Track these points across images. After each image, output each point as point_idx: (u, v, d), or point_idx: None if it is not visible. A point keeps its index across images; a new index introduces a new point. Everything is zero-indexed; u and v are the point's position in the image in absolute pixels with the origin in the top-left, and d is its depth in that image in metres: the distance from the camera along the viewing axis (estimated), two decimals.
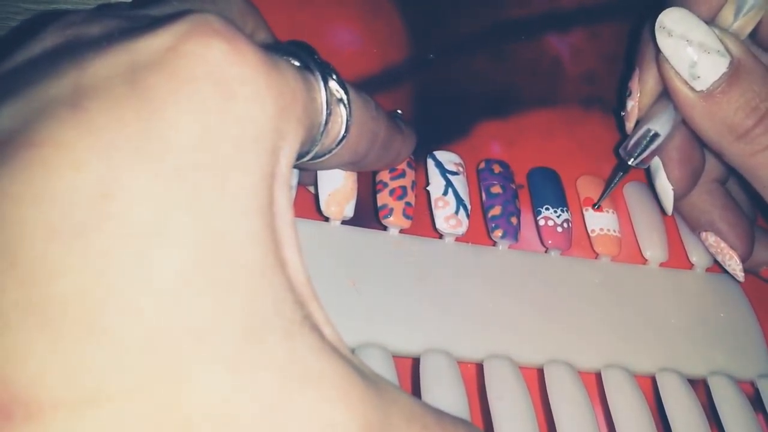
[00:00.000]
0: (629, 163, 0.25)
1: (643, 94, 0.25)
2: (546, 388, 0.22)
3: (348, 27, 0.29)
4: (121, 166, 0.12)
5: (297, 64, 0.17)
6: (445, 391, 0.20)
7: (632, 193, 0.29)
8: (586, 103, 0.31)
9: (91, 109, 0.12)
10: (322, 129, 0.17)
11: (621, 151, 0.26)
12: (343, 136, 0.18)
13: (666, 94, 0.24)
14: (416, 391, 0.21)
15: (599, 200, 0.27)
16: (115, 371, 0.11)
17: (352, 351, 0.21)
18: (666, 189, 0.26)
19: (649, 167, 0.27)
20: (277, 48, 0.17)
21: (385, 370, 0.20)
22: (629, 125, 0.26)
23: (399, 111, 0.25)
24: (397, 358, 0.22)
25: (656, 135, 0.25)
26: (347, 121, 0.18)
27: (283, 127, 0.14)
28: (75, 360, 0.11)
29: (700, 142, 0.25)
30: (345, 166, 0.22)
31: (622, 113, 0.26)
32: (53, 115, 0.12)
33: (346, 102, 0.18)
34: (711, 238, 0.27)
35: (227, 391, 0.12)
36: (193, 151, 0.12)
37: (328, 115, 0.17)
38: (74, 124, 0.12)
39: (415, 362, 0.22)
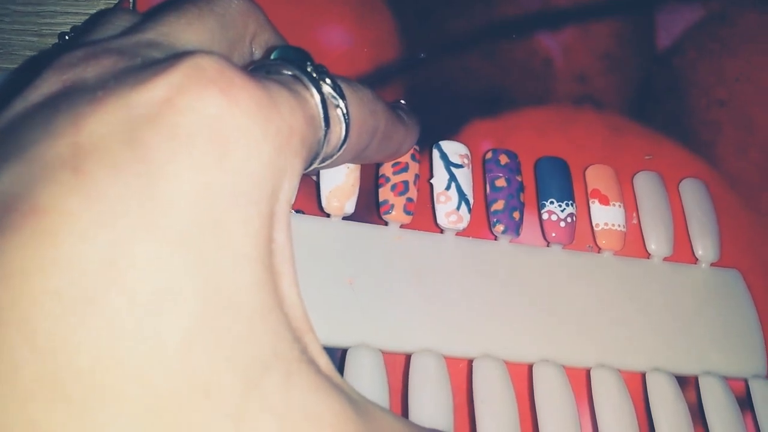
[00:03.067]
0: None
1: None
2: (533, 388, 0.23)
3: (339, 26, 0.29)
4: (125, 234, 0.12)
5: (289, 73, 0.17)
6: (431, 394, 0.21)
7: (643, 183, 0.29)
8: (578, 101, 0.31)
9: (91, 173, 0.12)
10: (322, 143, 0.17)
11: None
12: (344, 142, 0.18)
13: None
14: (406, 386, 0.22)
15: None
16: None
17: (346, 350, 0.22)
18: None
19: None
20: (269, 65, 0.17)
21: (376, 372, 0.21)
22: None
23: (402, 101, 0.25)
24: (393, 354, 0.23)
25: None
26: (346, 127, 0.18)
27: (281, 166, 0.15)
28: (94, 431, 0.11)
29: None
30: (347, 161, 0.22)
31: None
32: (55, 179, 0.12)
33: (344, 109, 0.18)
34: None
35: None
36: (193, 211, 0.13)
37: (327, 128, 0.17)
38: (77, 191, 0.12)
39: (408, 358, 0.23)
